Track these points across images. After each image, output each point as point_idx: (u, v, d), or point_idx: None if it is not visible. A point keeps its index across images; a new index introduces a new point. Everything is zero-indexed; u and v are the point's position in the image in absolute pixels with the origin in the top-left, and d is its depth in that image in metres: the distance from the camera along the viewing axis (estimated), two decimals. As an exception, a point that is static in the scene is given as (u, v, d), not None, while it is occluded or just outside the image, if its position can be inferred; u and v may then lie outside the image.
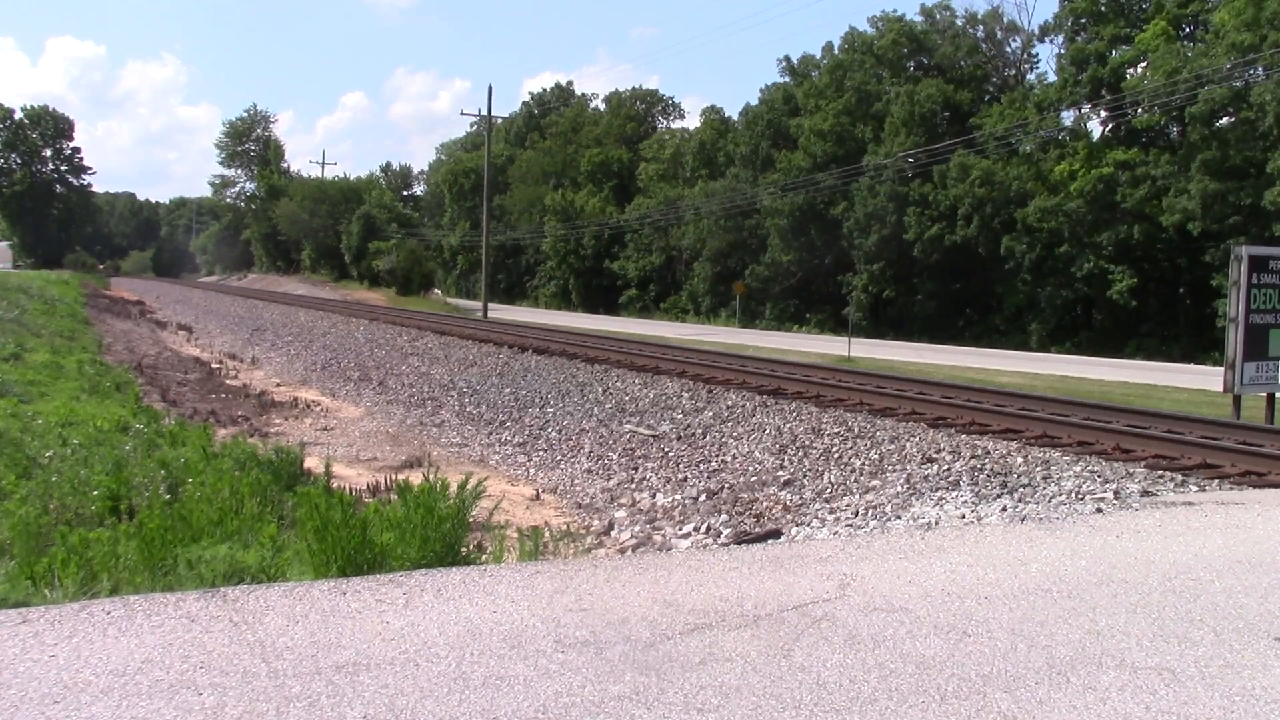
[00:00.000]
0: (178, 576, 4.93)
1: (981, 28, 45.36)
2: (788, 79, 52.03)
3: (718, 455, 11.75)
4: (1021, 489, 8.77)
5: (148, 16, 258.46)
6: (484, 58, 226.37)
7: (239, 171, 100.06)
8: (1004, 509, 8.15)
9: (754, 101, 53.64)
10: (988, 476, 9.30)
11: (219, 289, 70.84)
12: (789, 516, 9.19)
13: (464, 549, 5.59)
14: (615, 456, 12.43)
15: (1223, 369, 12.95)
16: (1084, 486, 8.61)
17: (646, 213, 55.34)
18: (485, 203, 50.84)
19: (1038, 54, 64.74)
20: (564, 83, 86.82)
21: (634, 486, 11.15)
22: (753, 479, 10.59)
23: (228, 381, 19.98)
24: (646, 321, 45.70)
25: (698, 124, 61.27)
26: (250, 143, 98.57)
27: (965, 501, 8.59)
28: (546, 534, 7.42)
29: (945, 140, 39.65)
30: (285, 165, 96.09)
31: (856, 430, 11.77)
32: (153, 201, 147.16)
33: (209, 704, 3.07)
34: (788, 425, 12.42)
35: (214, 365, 22.99)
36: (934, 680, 3.45)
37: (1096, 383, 19.11)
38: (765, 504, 9.70)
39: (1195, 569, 5.02)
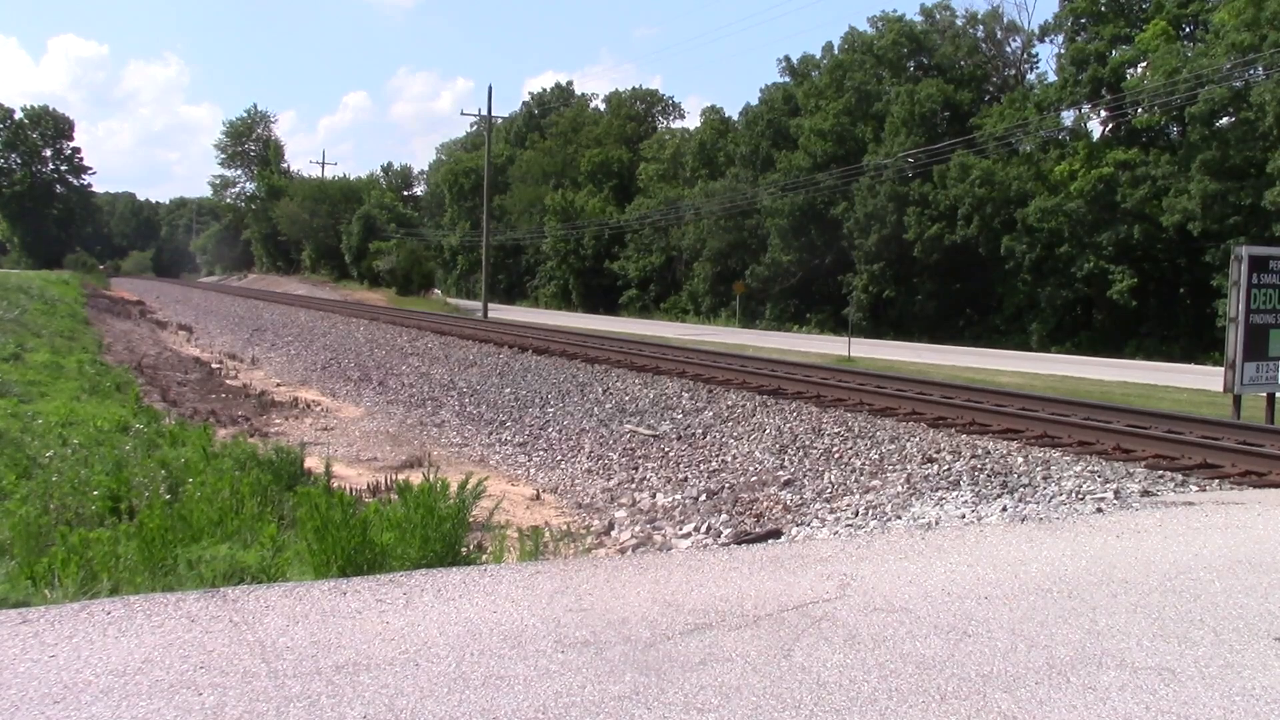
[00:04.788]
0: (178, 576, 4.94)
1: (981, 28, 45.38)
2: (788, 79, 52.02)
3: (718, 455, 11.75)
4: (1022, 489, 8.77)
5: (150, 16, 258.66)
6: (486, 58, 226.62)
7: (239, 172, 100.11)
8: (1004, 509, 8.15)
9: (754, 101, 53.70)
10: (988, 476, 9.30)
11: (219, 289, 70.84)
12: (789, 516, 9.19)
13: (464, 549, 5.59)
14: (615, 456, 12.43)
15: (1223, 369, 12.94)
16: (1084, 486, 8.61)
17: (646, 213, 55.33)
18: (485, 203, 50.83)
19: (1038, 54, 64.84)
20: (564, 83, 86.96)
21: (634, 486, 11.15)
22: (753, 479, 10.59)
23: (228, 381, 19.99)
24: (646, 321, 45.70)
25: (698, 124, 61.34)
26: (250, 143, 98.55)
27: (965, 501, 8.59)
28: (547, 534, 7.42)
29: (945, 140, 39.64)
30: (285, 165, 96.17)
31: (857, 430, 11.77)
32: (153, 201, 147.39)
33: (209, 704, 3.07)
34: (788, 425, 12.42)
35: (214, 365, 23.00)
36: (934, 680, 3.45)
37: (1096, 383, 19.11)
38: (765, 504, 9.70)
39: (1195, 569, 5.02)
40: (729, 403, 14.12)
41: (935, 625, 4.03)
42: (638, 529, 9.37)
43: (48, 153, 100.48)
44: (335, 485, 7.50)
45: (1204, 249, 31.57)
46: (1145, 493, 8.23)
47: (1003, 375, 20.27)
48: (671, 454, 12.08)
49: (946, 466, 9.84)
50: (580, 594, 4.30)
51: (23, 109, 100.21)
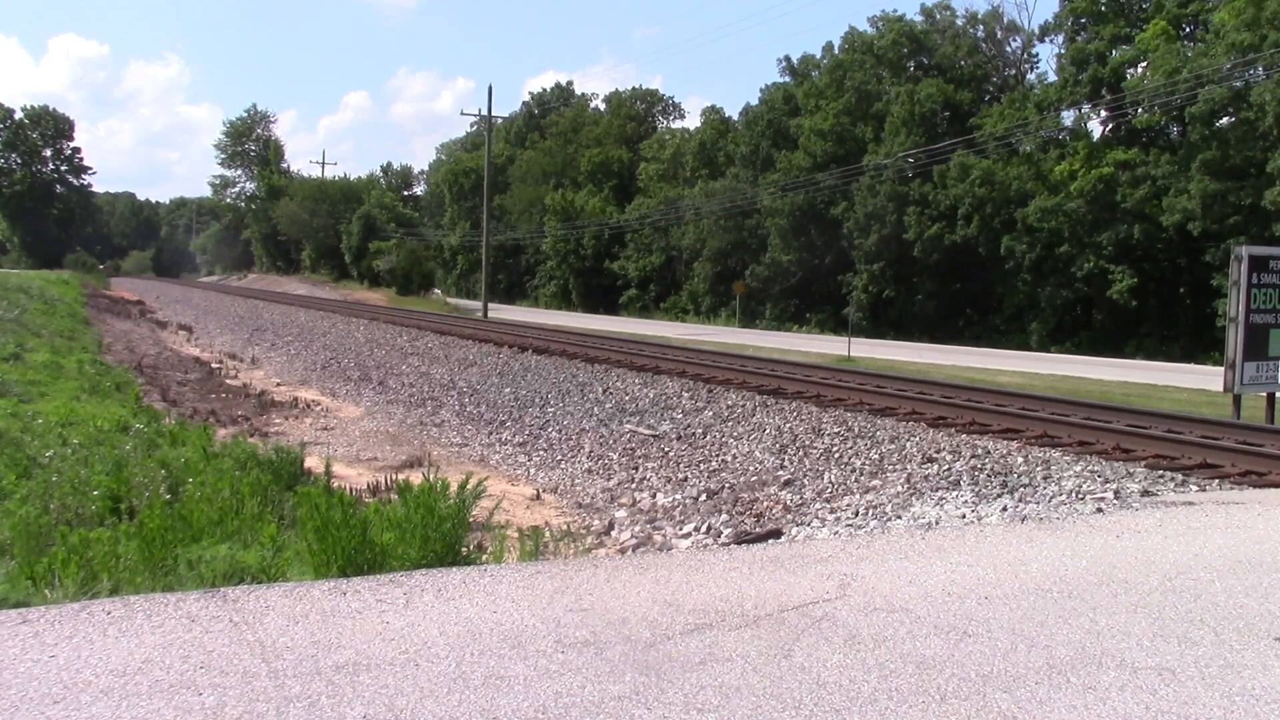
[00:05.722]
0: (178, 576, 4.93)
1: (981, 28, 45.37)
2: (788, 79, 52.04)
3: (718, 455, 11.75)
4: (1022, 489, 8.77)
5: (151, 16, 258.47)
6: (486, 58, 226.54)
7: (239, 171, 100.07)
8: (1004, 509, 8.15)
9: (754, 101, 53.70)
10: (988, 476, 9.30)
11: (219, 289, 70.84)
12: (789, 516, 9.19)
13: (464, 549, 5.59)
14: (615, 456, 12.43)
15: (1223, 369, 12.95)
16: (1084, 486, 8.61)
17: (646, 213, 55.33)
18: (485, 203, 50.84)
19: (1038, 54, 64.78)
20: (564, 83, 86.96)
21: (634, 486, 11.15)
22: (753, 479, 10.60)
23: (228, 381, 19.99)
24: (646, 321, 45.70)
25: (698, 124, 61.35)
26: (250, 143, 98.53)
27: (965, 501, 8.59)
28: (547, 534, 7.42)
29: (945, 140, 39.64)
30: (285, 165, 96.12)
31: (857, 430, 11.77)
32: (153, 201, 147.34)
33: (209, 704, 3.07)
34: (788, 425, 12.42)
35: (214, 365, 23.00)
36: (934, 680, 3.45)
37: (1096, 382, 19.11)
38: (765, 504, 9.70)
39: (1195, 569, 5.02)
40: (729, 402, 14.12)
41: (935, 625, 4.02)
42: (638, 529, 9.37)
43: (48, 153, 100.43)
44: (335, 485, 7.49)
45: (1204, 249, 31.57)
46: (1145, 493, 8.23)
47: (1003, 375, 20.27)
48: (671, 454, 12.08)
49: (946, 466, 9.84)
50: (580, 594, 4.30)
51: (23, 109, 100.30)
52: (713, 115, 59.34)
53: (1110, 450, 9.95)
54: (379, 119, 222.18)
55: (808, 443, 11.54)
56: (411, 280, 61.07)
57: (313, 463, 9.57)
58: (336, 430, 15.08)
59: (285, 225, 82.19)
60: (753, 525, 9.07)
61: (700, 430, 12.90)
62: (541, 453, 13.29)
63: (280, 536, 5.64)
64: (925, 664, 3.60)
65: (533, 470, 12.59)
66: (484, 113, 48.90)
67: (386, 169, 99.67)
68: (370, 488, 9.74)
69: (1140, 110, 34.77)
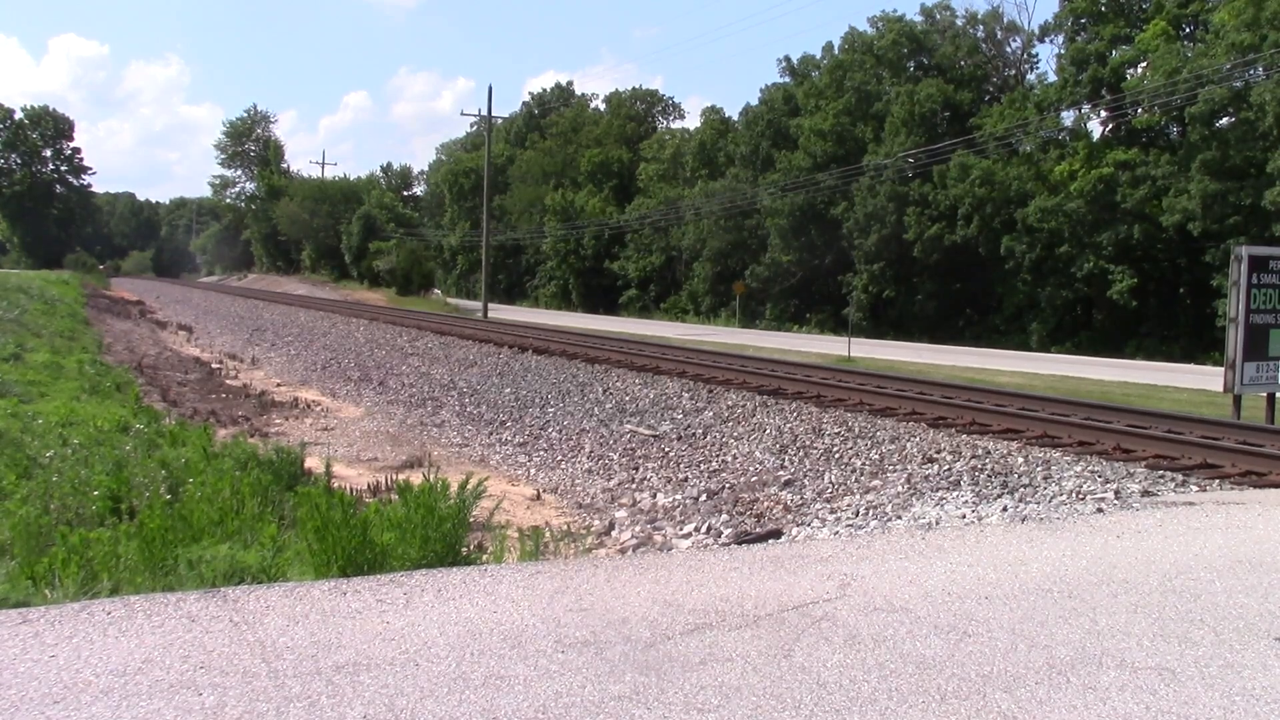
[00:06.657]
0: (178, 576, 4.93)
1: (981, 28, 45.38)
2: (788, 79, 52.04)
3: (718, 455, 11.75)
4: (1022, 489, 8.77)
5: (151, 16, 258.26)
6: (486, 58, 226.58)
7: (239, 172, 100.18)
8: (1004, 509, 8.15)
9: (754, 101, 53.69)
10: (988, 476, 9.30)
11: (219, 289, 70.85)
12: (789, 516, 9.19)
13: (464, 549, 5.59)
14: (616, 456, 12.43)
15: (1223, 369, 12.95)
16: (1084, 486, 8.61)
17: (646, 213, 55.32)
18: (485, 203, 50.84)
19: (1038, 54, 64.87)
20: (564, 83, 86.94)
21: (634, 486, 11.15)
22: (753, 479, 10.60)
23: (228, 381, 19.99)
24: (646, 321, 45.69)
25: (698, 124, 61.33)
26: (250, 143, 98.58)
27: (966, 501, 8.59)
28: (547, 534, 7.42)
29: (945, 140, 39.63)
30: (285, 165, 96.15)
31: (857, 430, 11.77)
32: (153, 201, 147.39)
33: (209, 704, 3.07)
34: (788, 425, 12.42)
35: (214, 365, 23.00)
36: (934, 680, 3.45)
37: (1096, 383, 19.11)
38: (766, 504, 9.70)
39: (1195, 569, 5.02)
40: (729, 403, 14.11)
41: (935, 625, 4.03)
42: (638, 529, 9.37)
43: (48, 153, 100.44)
44: (335, 485, 7.49)
45: (1204, 249, 31.56)
46: (1145, 493, 8.23)
47: (1003, 375, 20.27)
48: (672, 454, 12.08)
49: (947, 466, 9.84)
50: (580, 594, 4.30)
51: (23, 109, 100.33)
52: (713, 115, 59.32)
53: (1110, 450, 9.95)
54: (379, 119, 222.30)
55: (808, 443, 11.53)
56: (411, 280, 61.08)
57: (313, 463, 9.57)
58: (337, 430, 15.08)
59: (285, 225, 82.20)
60: (753, 525, 9.07)
61: (700, 430, 12.90)
62: (542, 453, 13.30)
63: (280, 536, 5.64)
64: (925, 664, 3.60)
65: (533, 470, 12.59)
66: (484, 113, 48.91)
67: (386, 169, 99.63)
68: (370, 488, 9.75)
69: (1140, 110, 34.77)
